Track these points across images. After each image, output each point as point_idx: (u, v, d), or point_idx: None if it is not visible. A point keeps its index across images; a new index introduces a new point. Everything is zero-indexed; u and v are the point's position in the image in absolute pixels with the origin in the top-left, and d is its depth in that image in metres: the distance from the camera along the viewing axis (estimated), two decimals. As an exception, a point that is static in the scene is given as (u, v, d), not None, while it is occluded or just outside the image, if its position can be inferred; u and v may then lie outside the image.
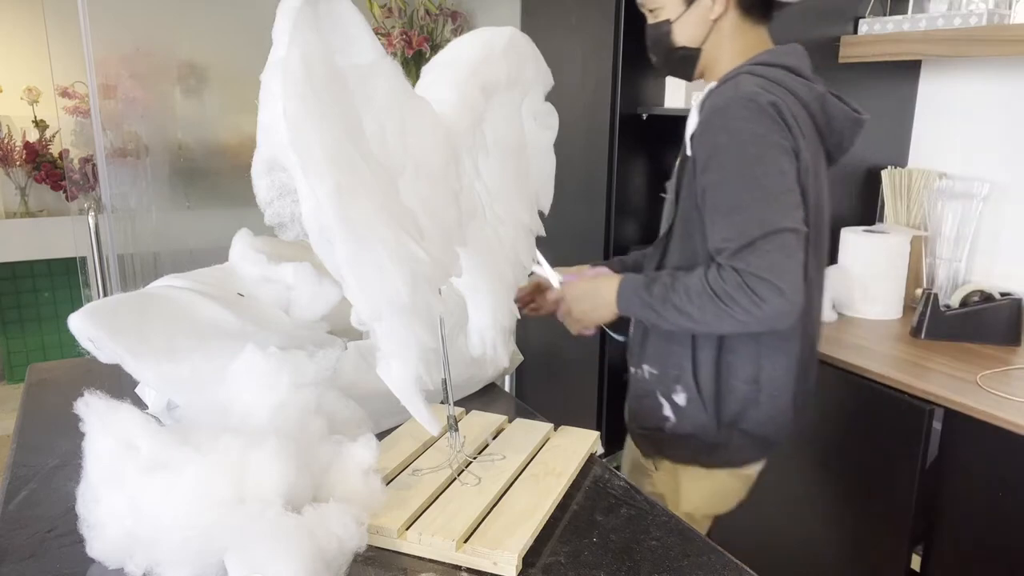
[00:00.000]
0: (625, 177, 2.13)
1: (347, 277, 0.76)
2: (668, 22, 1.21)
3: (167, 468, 0.78)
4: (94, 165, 2.15)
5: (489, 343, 1.04)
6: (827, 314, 1.94)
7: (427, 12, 2.62)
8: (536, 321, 1.20)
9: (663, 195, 1.32)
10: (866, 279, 1.95)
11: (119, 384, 1.08)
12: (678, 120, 1.44)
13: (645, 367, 1.27)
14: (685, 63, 1.23)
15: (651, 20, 1.24)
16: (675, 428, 1.23)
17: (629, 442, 1.38)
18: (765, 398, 1.19)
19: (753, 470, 1.30)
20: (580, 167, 2.16)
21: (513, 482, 0.95)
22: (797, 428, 1.27)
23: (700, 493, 1.28)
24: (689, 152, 1.15)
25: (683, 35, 1.20)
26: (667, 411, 1.24)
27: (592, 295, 1.23)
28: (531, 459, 1.02)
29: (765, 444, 1.24)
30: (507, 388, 2.27)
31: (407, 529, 0.84)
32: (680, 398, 1.22)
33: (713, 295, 1.06)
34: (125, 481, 0.78)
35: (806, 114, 1.14)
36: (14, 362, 3.60)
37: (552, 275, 1.31)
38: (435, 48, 2.56)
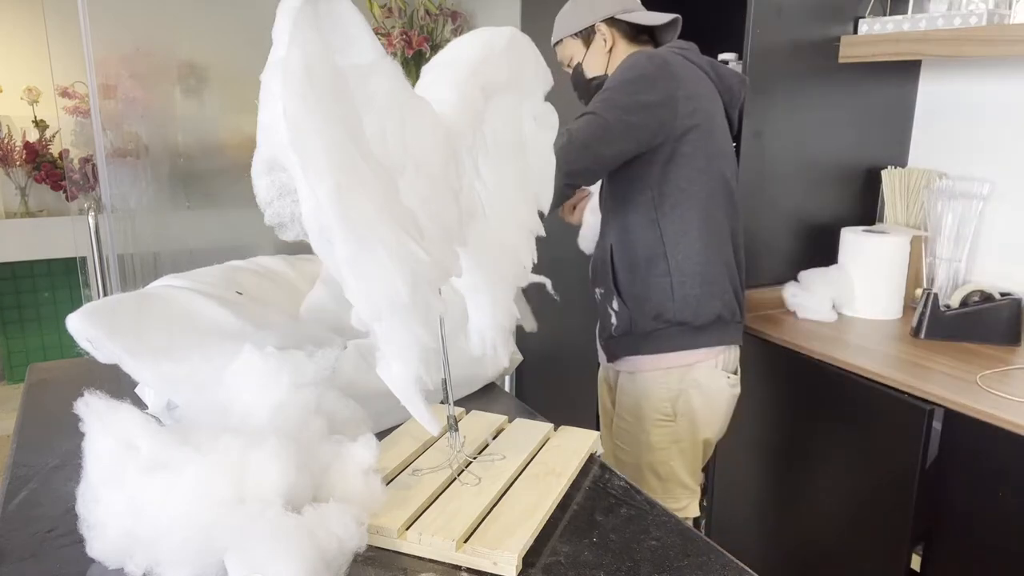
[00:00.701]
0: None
1: (347, 277, 0.76)
2: (579, 64, 1.60)
3: (167, 468, 0.78)
4: (94, 165, 2.14)
5: (489, 343, 1.03)
6: (827, 314, 1.94)
7: (427, 12, 2.61)
8: (536, 321, 1.21)
9: None
10: (866, 279, 1.95)
11: (119, 384, 1.08)
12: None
13: (597, 290, 1.60)
14: (600, 89, 1.50)
15: (569, 70, 1.62)
16: (618, 329, 1.55)
17: (603, 359, 1.70)
18: (678, 293, 1.48)
19: (694, 361, 1.51)
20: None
21: (513, 482, 0.95)
22: (712, 313, 1.49)
23: (658, 394, 1.53)
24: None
25: (591, 68, 1.59)
26: (613, 319, 1.55)
27: None
28: (531, 459, 1.02)
29: (689, 329, 1.50)
30: (507, 388, 2.27)
31: (407, 529, 0.84)
32: (616, 305, 1.54)
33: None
34: (125, 481, 0.78)
35: (695, 66, 1.47)
36: (14, 362, 3.60)
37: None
38: (435, 48, 2.56)
